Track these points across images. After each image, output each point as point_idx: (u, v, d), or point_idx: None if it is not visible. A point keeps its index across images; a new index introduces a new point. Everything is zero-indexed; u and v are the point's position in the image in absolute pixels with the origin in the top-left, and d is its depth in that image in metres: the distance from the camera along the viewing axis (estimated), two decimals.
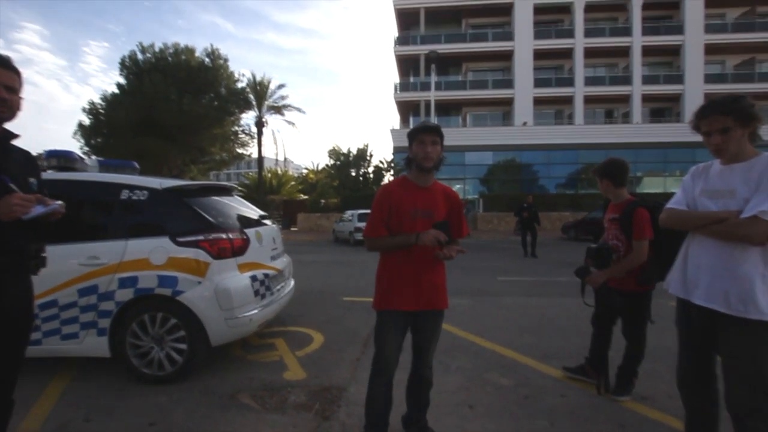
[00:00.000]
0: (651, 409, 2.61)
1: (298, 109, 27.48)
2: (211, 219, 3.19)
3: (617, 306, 2.70)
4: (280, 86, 26.47)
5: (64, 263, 3.00)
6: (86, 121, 25.86)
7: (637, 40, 26.19)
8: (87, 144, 26.02)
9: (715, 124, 1.67)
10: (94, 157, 22.62)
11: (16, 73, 1.59)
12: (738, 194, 1.64)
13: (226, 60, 26.96)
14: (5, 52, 1.61)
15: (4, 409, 1.73)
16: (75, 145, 27.18)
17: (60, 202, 1.65)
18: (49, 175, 3.27)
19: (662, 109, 28.45)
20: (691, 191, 1.83)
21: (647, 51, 26.41)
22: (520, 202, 11.78)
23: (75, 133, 26.10)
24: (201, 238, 3.07)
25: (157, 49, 25.98)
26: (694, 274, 1.77)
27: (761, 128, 1.72)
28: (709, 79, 25.93)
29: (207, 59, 26.41)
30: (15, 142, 1.69)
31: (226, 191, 3.95)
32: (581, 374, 3.02)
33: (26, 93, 1.69)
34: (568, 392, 2.87)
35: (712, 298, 1.69)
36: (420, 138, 2.05)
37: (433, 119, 20.22)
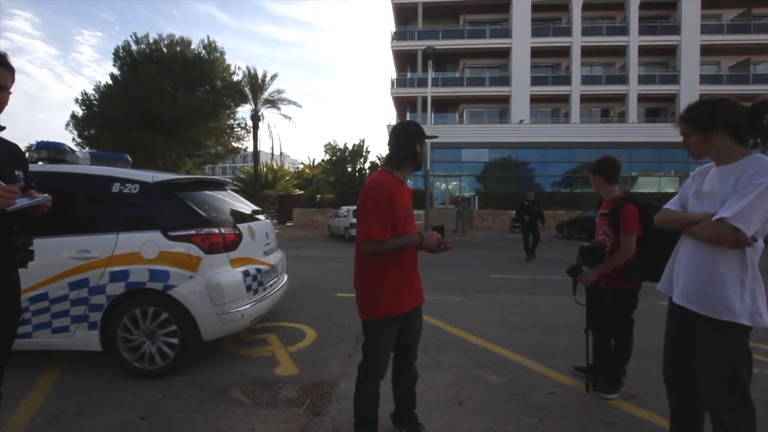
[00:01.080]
0: (638, 408, 2.64)
1: (295, 103, 27.18)
2: (203, 213, 3.17)
3: (609, 304, 2.73)
4: (274, 77, 26.12)
5: (54, 256, 2.98)
6: (79, 112, 25.59)
7: (633, 40, 26.24)
8: (80, 136, 25.73)
9: (680, 129, 1.78)
10: (86, 149, 22.41)
11: (10, 70, 1.58)
12: (717, 196, 1.69)
13: (222, 53, 26.70)
14: None
15: None
16: (68, 137, 26.92)
17: (46, 195, 1.64)
18: (39, 167, 3.24)
19: (658, 109, 28.57)
20: (687, 192, 1.88)
21: (644, 51, 26.47)
22: (520, 200, 10.35)
23: (68, 125, 25.83)
24: (193, 232, 3.06)
25: (151, 40, 25.69)
26: (677, 273, 1.84)
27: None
28: (705, 80, 26.05)
29: (203, 51, 26.14)
30: (2, 135, 1.67)
31: (219, 185, 3.94)
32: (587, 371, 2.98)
33: (18, 82, 1.67)
34: (557, 390, 2.90)
35: (687, 297, 1.75)
36: (425, 140, 2.12)
37: (430, 116, 20.17)
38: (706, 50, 26.15)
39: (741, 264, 1.64)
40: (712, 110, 1.69)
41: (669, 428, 2.02)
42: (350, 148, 26.08)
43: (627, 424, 2.45)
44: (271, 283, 3.75)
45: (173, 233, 3.04)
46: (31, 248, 1.72)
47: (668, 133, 23.48)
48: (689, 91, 25.43)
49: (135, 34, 27.56)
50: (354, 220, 14.38)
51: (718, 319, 1.64)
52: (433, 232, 2.06)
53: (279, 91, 26.40)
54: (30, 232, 1.71)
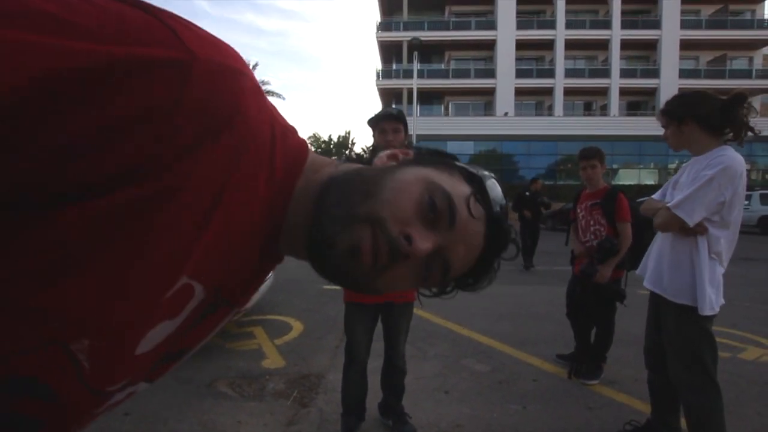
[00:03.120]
0: (618, 393, 2.73)
1: (278, 95, 26.89)
2: None
3: (622, 294, 2.79)
4: (254, 66, 25.66)
5: None
6: None
7: (616, 34, 26.57)
8: None
9: (661, 122, 1.88)
10: None
11: None
12: (680, 186, 1.80)
13: None
14: None
15: None
16: None
17: None
18: None
19: (638, 102, 29.10)
20: (670, 182, 1.97)
21: (625, 44, 26.83)
22: (520, 190, 8.22)
23: None
24: None
25: None
26: (650, 259, 1.96)
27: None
28: (684, 74, 26.59)
29: None
30: None
31: None
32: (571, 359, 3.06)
33: None
34: (540, 377, 2.96)
35: (653, 281, 1.87)
36: (381, 127, 1.96)
37: (416, 108, 20.14)
38: (686, 45, 26.66)
39: (696, 252, 1.72)
40: (683, 102, 1.79)
41: (651, 405, 2.12)
42: (335, 140, 25.93)
43: (607, 408, 2.53)
44: None
45: None
46: None
47: (649, 126, 23.94)
48: (669, 84, 25.93)
49: None
50: None
51: (679, 303, 1.75)
52: None
53: (263, 82, 25.98)
54: None
